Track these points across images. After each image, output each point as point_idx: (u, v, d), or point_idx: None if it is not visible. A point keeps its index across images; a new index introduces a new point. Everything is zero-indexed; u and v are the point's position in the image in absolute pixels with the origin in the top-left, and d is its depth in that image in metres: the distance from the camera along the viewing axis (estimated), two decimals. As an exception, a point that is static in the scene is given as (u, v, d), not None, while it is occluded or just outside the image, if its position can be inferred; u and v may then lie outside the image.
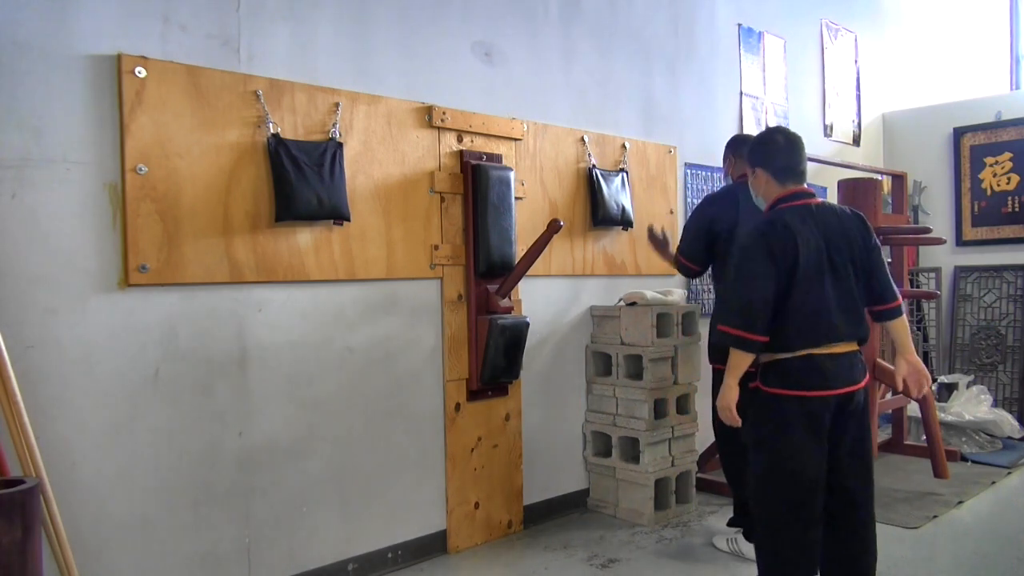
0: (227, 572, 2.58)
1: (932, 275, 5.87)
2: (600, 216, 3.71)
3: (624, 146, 3.93)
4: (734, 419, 2.36)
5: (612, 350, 3.66)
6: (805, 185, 2.41)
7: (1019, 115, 5.57)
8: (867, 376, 2.35)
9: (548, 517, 3.60)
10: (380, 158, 2.97)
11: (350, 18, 2.90)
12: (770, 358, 2.30)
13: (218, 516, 2.56)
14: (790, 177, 2.38)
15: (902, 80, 6.42)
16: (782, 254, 2.24)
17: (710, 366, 3.22)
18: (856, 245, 2.33)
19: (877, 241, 2.41)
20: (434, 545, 3.17)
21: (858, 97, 5.94)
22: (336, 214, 2.74)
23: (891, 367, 4.13)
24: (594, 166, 3.75)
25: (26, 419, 1.98)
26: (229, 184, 2.56)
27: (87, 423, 2.29)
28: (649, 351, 3.50)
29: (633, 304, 3.67)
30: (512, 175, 3.30)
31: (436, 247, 3.14)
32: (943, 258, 5.87)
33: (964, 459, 4.47)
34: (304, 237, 2.74)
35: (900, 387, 2.48)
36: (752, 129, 4.81)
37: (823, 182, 5.34)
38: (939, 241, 4.53)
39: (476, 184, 3.19)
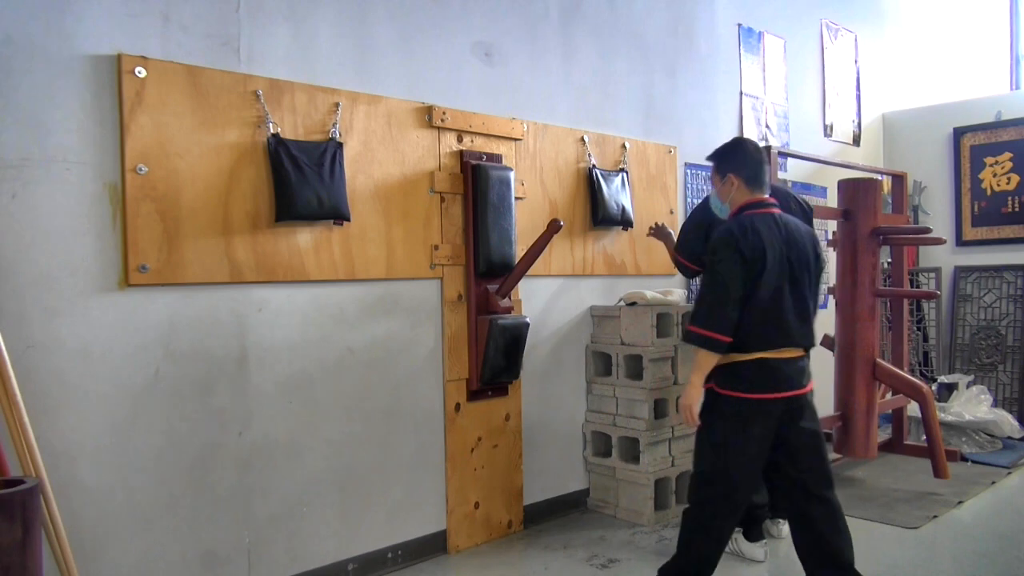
0: (227, 572, 2.58)
1: (932, 275, 5.87)
2: (600, 216, 3.71)
3: (624, 146, 3.93)
4: (693, 419, 2.43)
5: (612, 350, 3.66)
6: (767, 195, 2.51)
7: (1019, 115, 5.57)
8: (811, 382, 2.47)
9: (548, 517, 3.60)
10: (380, 158, 2.97)
11: (350, 18, 2.90)
12: (725, 360, 2.38)
13: (218, 516, 2.56)
14: (757, 185, 2.48)
15: (902, 80, 6.42)
16: (751, 257, 2.32)
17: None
18: (811, 258, 2.46)
19: (824, 261, 2.54)
20: (434, 545, 3.17)
21: (858, 97, 5.93)
22: (336, 214, 2.74)
23: (892, 367, 4.14)
24: (594, 166, 3.75)
25: (26, 419, 1.98)
26: (229, 184, 2.56)
27: (87, 423, 2.29)
28: (649, 351, 3.50)
29: (633, 304, 3.67)
30: (512, 175, 3.30)
31: (436, 247, 3.14)
32: (943, 258, 5.87)
33: (964, 459, 4.47)
34: (304, 237, 2.74)
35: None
36: (752, 129, 4.81)
37: (823, 182, 5.35)
38: (939, 241, 4.53)
39: (476, 184, 3.19)
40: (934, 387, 5.00)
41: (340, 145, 2.79)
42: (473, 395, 3.27)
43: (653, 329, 3.51)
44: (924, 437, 4.27)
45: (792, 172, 5.10)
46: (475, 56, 3.32)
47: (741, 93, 4.79)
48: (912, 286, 5.72)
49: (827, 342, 4.40)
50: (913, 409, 4.64)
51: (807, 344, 2.44)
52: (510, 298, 3.30)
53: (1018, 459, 4.44)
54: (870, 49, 6.05)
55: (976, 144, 5.76)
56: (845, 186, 4.23)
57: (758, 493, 3.13)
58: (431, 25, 3.16)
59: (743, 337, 2.34)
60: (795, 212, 3.29)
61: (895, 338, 4.76)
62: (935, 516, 3.54)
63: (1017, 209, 5.57)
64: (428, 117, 3.11)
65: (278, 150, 2.62)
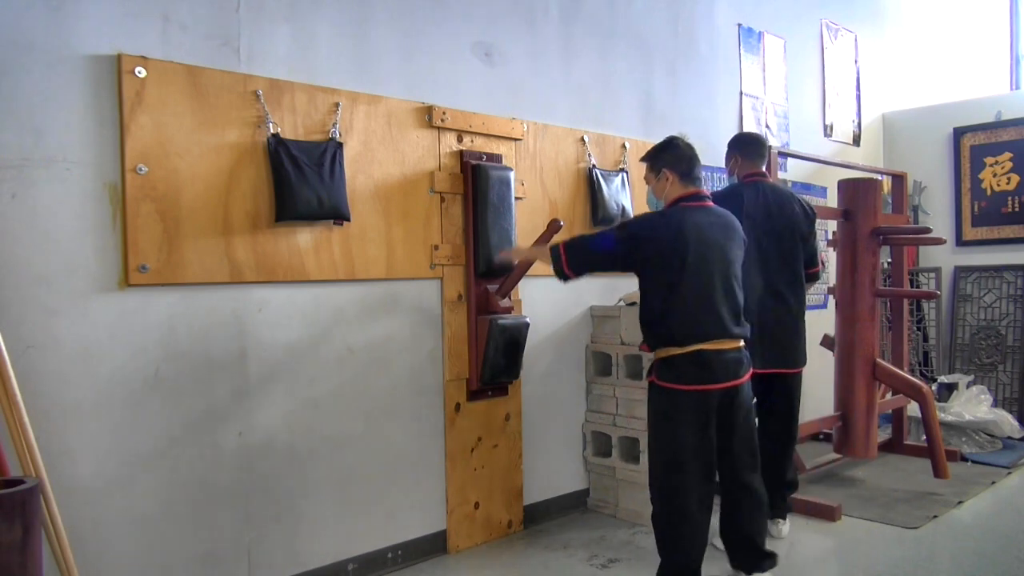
0: (227, 572, 2.58)
1: (932, 275, 5.87)
2: (600, 216, 3.71)
3: (624, 146, 3.93)
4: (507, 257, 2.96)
5: (612, 350, 3.66)
6: (703, 188, 2.63)
7: (1019, 115, 5.57)
8: (750, 371, 2.58)
9: (548, 517, 3.60)
10: (380, 158, 2.97)
11: (350, 18, 2.90)
12: (664, 353, 2.50)
13: (218, 516, 2.56)
14: (691, 180, 2.59)
15: (902, 80, 6.42)
16: (671, 245, 2.43)
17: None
18: (740, 250, 2.60)
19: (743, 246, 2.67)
20: (434, 545, 3.17)
21: (858, 97, 5.93)
22: (336, 214, 2.74)
23: (892, 367, 4.14)
24: (594, 166, 3.75)
25: (26, 419, 1.98)
26: (229, 184, 2.56)
27: (87, 423, 2.29)
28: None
29: (633, 304, 3.66)
30: (512, 175, 3.30)
31: (436, 247, 3.14)
32: (943, 258, 5.87)
33: (964, 459, 4.47)
34: (304, 237, 2.74)
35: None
36: (752, 129, 4.81)
37: (823, 182, 5.35)
38: (939, 241, 4.53)
39: (476, 184, 3.19)
40: (934, 387, 5.00)
41: (340, 145, 2.79)
42: (473, 395, 3.27)
43: (653, 329, 3.50)
44: (924, 437, 4.27)
45: (792, 172, 5.10)
46: (475, 56, 3.32)
47: (741, 93, 4.79)
48: (912, 286, 5.72)
49: (827, 342, 4.40)
50: (913, 409, 4.64)
51: (743, 335, 2.54)
52: (510, 298, 3.30)
53: (1018, 459, 4.44)
54: (870, 49, 6.05)
55: (976, 144, 5.76)
56: (845, 186, 4.23)
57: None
58: (431, 25, 3.16)
59: (676, 330, 2.46)
60: (797, 215, 3.29)
61: (895, 338, 4.76)
62: (935, 516, 3.54)
63: (1017, 209, 5.57)
64: (428, 117, 3.11)
65: (278, 150, 2.62)
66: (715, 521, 2.64)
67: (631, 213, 3.84)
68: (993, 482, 4.06)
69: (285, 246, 2.69)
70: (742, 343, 2.55)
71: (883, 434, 4.72)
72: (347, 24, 2.89)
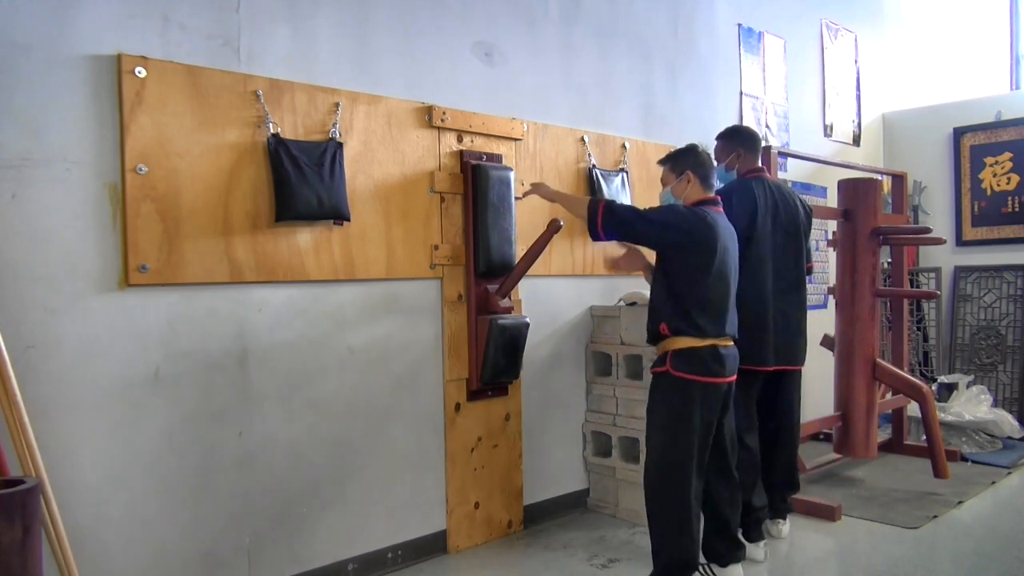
0: (227, 572, 2.58)
1: (932, 275, 5.87)
2: (600, 216, 3.70)
3: (624, 146, 3.93)
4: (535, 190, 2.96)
5: (612, 350, 3.66)
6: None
7: (1019, 115, 5.57)
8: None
9: (548, 517, 3.60)
10: (380, 158, 2.97)
11: (350, 18, 2.90)
12: (682, 344, 2.56)
13: (218, 516, 2.56)
14: (709, 186, 2.70)
15: (902, 80, 6.42)
16: (705, 238, 2.53)
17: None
18: (739, 260, 2.73)
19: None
20: (434, 545, 3.17)
21: (858, 97, 5.94)
22: (336, 214, 2.74)
23: (892, 367, 4.14)
24: (594, 166, 3.75)
25: (26, 419, 1.98)
26: (229, 184, 2.56)
27: (87, 423, 2.29)
28: (649, 351, 3.50)
29: (633, 304, 3.67)
30: (512, 175, 3.30)
31: (436, 247, 3.14)
32: (943, 258, 5.87)
33: (964, 459, 4.47)
34: (304, 237, 2.74)
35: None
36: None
37: (823, 182, 5.35)
38: (939, 241, 4.53)
39: (476, 184, 3.19)
40: (934, 387, 5.00)
41: (340, 145, 2.79)
42: (473, 395, 3.27)
43: (653, 329, 3.50)
44: (924, 437, 4.27)
45: (792, 172, 5.10)
46: (475, 56, 3.33)
47: (741, 93, 4.79)
48: (912, 286, 5.72)
49: (827, 342, 4.40)
50: (913, 409, 4.65)
51: (735, 335, 2.68)
52: (510, 298, 3.30)
53: (1018, 459, 4.44)
54: (870, 49, 6.05)
55: (976, 144, 5.76)
56: (845, 186, 4.23)
57: (757, 495, 3.14)
58: (431, 25, 3.16)
59: (700, 324, 2.54)
60: (800, 212, 3.28)
61: (895, 338, 4.76)
62: (935, 516, 3.54)
63: (1017, 209, 5.57)
64: (428, 117, 3.11)
65: (278, 150, 2.62)
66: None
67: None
68: (993, 482, 4.06)
69: (285, 246, 2.69)
70: (734, 342, 2.69)
71: (883, 434, 4.73)
72: (347, 24, 2.89)
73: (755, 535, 3.08)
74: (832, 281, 4.64)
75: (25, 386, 2.05)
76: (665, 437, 2.58)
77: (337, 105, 2.82)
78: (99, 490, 2.31)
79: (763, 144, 3.45)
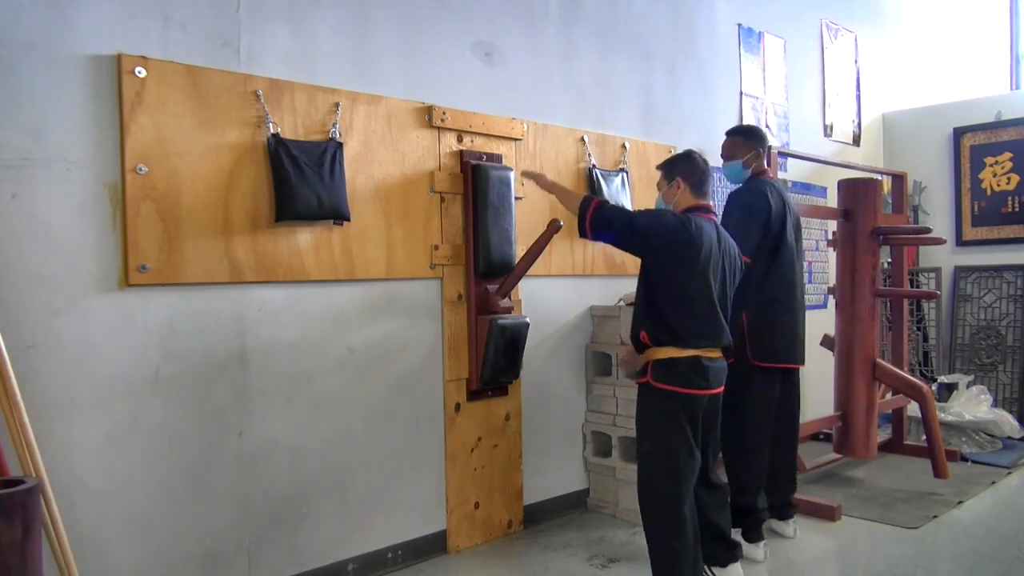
0: (227, 572, 2.58)
1: (932, 275, 5.87)
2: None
3: (624, 146, 3.93)
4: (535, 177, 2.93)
5: (612, 350, 3.66)
6: (711, 203, 2.70)
7: (1019, 115, 5.57)
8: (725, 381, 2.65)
9: (548, 517, 3.60)
10: (380, 158, 2.97)
11: (350, 18, 2.90)
12: (663, 355, 2.52)
13: (218, 516, 2.56)
14: (701, 193, 2.66)
15: (902, 80, 6.42)
16: (687, 246, 2.47)
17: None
18: (735, 266, 2.68)
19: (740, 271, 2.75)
20: (434, 545, 3.17)
21: (858, 97, 5.93)
22: (336, 214, 2.74)
23: (892, 367, 4.14)
24: (594, 166, 3.75)
25: (26, 419, 1.98)
26: (229, 184, 2.56)
27: (87, 423, 2.29)
28: (649, 351, 3.50)
29: (633, 304, 3.66)
30: (512, 175, 3.30)
31: (436, 247, 3.14)
32: (943, 258, 5.87)
33: (964, 459, 4.47)
34: (304, 237, 2.74)
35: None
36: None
37: (823, 182, 5.35)
38: (939, 241, 4.53)
39: (476, 184, 3.19)
40: (934, 387, 5.00)
41: (340, 145, 2.79)
42: (473, 395, 3.27)
43: (653, 329, 3.50)
44: (924, 437, 4.27)
45: (792, 172, 5.10)
46: (475, 56, 3.32)
47: (741, 93, 4.79)
48: (912, 286, 5.72)
49: (827, 342, 4.40)
50: (913, 409, 4.65)
51: (728, 345, 2.61)
52: (510, 298, 3.30)
53: (1018, 459, 4.44)
54: (870, 49, 6.05)
55: (976, 144, 5.76)
56: (845, 186, 4.23)
57: (759, 496, 3.14)
58: (431, 25, 3.16)
59: (682, 335, 2.50)
60: (797, 211, 3.30)
61: (895, 338, 4.76)
62: (935, 516, 3.54)
63: (1017, 209, 5.57)
64: (428, 117, 3.11)
65: (278, 150, 2.62)
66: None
67: (631, 213, 3.84)
68: (993, 482, 4.06)
69: (285, 246, 2.69)
70: (724, 352, 2.63)
71: (883, 434, 4.73)
72: (347, 24, 2.89)
73: (755, 535, 3.08)
74: (832, 281, 4.64)
75: (25, 386, 2.05)
76: (650, 447, 2.56)
77: (337, 105, 2.82)
78: (99, 490, 2.31)
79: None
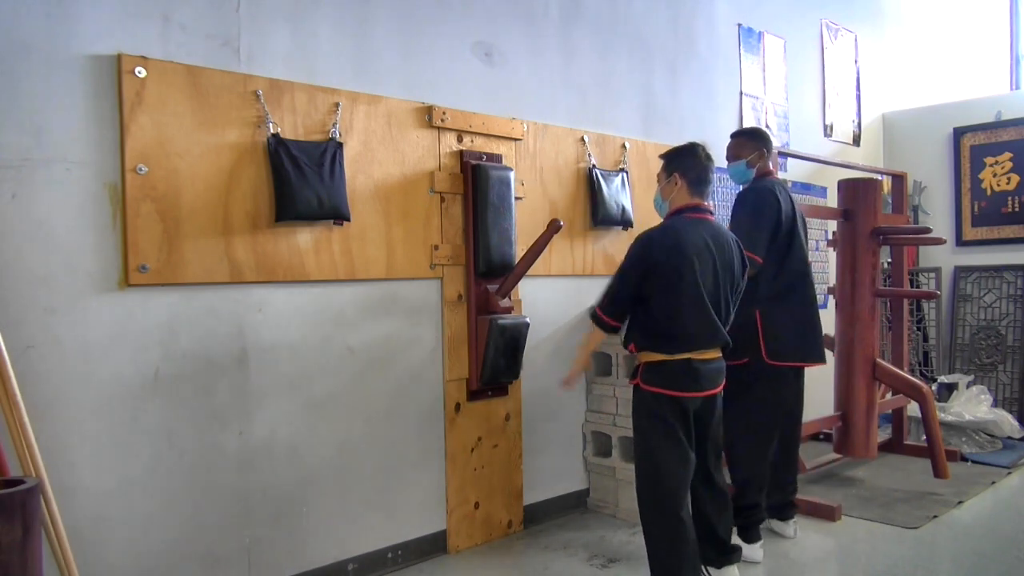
0: (227, 572, 2.58)
1: (932, 275, 5.87)
2: (600, 216, 3.71)
3: (624, 146, 3.93)
4: (571, 385, 2.84)
5: (612, 350, 3.66)
6: (708, 202, 2.65)
7: (1019, 115, 5.57)
8: (724, 381, 2.62)
9: (548, 517, 3.60)
10: (380, 158, 2.97)
11: (350, 18, 2.90)
12: (652, 358, 2.52)
13: (218, 516, 2.56)
14: (698, 192, 2.61)
15: (902, 80, 6.42)
16: (662, 261, 2.45)
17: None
18: (735, 266, 2.60)
19: (746, 279, 2.69)
20: (434, 545, 3.17)
21: (858, 97, 5.93)
22: (336, 214, 2.74)
23: (892, 367, 4.14)
24: (594, 166, 3.75)
25: (26, 419, 1.98)
26: (229, 184, 2.56)
27: (87, 423, 2.29)
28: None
29: (633, 304, 3.66)
30: (512, 175, 3.30)
31: (436, 247, 3.14)
32: (943, 258, 5.87)
33: (964, 459, 4.47)
34: (304, 237, 2.74)
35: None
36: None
37: (823, 182, 5.35)
38: (939, 241, 4.53)
39: (476, 184, 3.19)
40: (934, 387, 5.00)
41: (340, 145, 2.79)
42: (473, 395, 3.27)
43: (653, 329, 3.50)
44: (924, 437, 4.27)
45: (792, 172, 5.10)
46: (475, 56, 3.32)
47: (741, 93, 4.79)
48: (912, 286, 5.72)
49: (827, 342, 4.40)
50: (913, 409, 4.65)
51: (725, 344, 2.58)
52: (510, 298, 3.30)
53: (1018, 459, 4.44)
54: (870, 49, 6.05)
55: (976, 144, 5.76)
56: (845, 186, 4.23)
57: (762, 495, 3.14)
58: (431, 25, 3.16)
59: (671, 338, 2.49)
60: (799, 211, 3.29)
61: (895, 338, 4.76)
62: (935, 516, 3.54)
63: (1017, 209, 5.57)
64: (428, 117, 3.11)
65: (278, 150, 2.62)
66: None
67: (631, 213, 3.85)
68: (993, 482, 4.06)
69: (285, 246, 2.69)
70: (721, 352, 2.61)
71: (883, 434, 4.73)
72: (347, 24, 2.89)
73: (753, 536, 3.08)
74: (832, 281, 4.64)
75: (25, 386, 2.05)
76: (643, 448, 2.56)
77: (337, 105, 2.82)
78: (99, 490, 2.31)
79: None
